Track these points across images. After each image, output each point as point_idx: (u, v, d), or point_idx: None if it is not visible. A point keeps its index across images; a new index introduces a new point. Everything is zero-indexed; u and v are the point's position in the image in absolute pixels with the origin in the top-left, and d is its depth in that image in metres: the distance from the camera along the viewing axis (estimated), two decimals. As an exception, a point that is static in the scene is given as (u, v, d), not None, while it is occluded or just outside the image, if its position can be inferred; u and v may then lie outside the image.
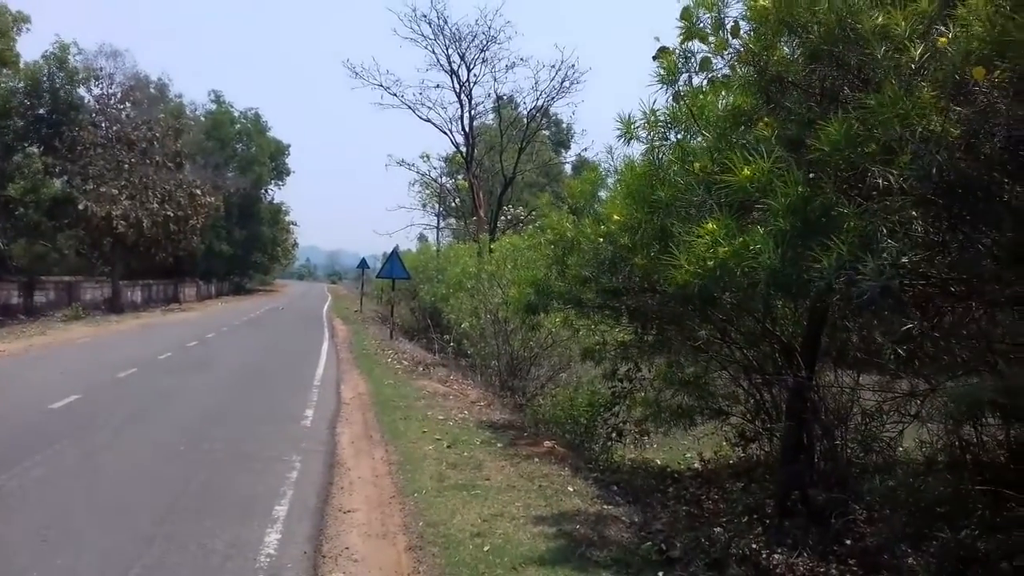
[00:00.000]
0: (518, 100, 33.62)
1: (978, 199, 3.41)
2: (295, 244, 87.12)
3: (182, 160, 41.78)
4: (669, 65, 5.69)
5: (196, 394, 13.39)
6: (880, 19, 3.82)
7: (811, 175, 3.99)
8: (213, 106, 61.03)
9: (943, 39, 3.31)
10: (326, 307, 52.07)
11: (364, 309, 43.59)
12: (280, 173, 69.14)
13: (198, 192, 41.44)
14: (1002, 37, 3.04)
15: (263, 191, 66.44)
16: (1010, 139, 3.28)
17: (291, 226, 78.85)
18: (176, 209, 38.40)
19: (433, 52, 30.22)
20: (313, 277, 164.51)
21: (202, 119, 57.92)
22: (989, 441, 6.06)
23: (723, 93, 5.60)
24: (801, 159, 3.91)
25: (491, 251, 18.25)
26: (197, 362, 17.97)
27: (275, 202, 71.22)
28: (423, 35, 29.76)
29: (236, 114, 63.05)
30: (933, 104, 3.25)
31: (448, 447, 9.78)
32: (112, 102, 37.52)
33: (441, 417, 12.00)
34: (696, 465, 11.07)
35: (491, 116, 34.34)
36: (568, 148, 48.35)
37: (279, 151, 67.96)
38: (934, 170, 3.16)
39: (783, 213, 3.64)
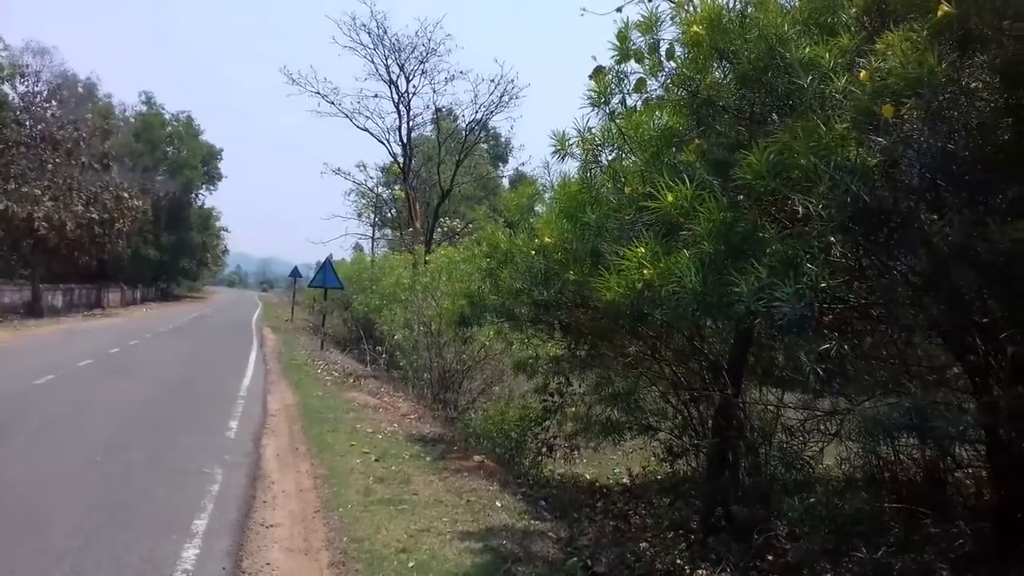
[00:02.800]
0: (457, 112, 33.65)
1: (894, 227, 3.53)
2: (225, 251, 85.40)
3: (109, 162, 40.58)
4: (601, 85, 5.76)
5: (116, 403, 12.93)
6: (807, 50, 3.94)
7: (739, 197, 4.07)
8: (144, 108, 59.50)
9: (864, 72, 3.42)
10: (256, 315, 51.06)
11: (295, 319, 42.90)
12: (212, 178, 67.81)
13: (125, 195, 40.30)
14: (915, 73, 3.16)
15: (194, 196, 65.06)
16: (925, 169, 3.40)
17: (222, 232, 77.29)
18: (102, 212, 37.25)
19: (372, 62, 30.10)
20: (244, 285, 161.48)
21: (132, 120, 56.44)
22: (905, 460, 6.25)
23: (657, 113, 5.69)
24: (727, 183, 3.99)
25: (426, 263, 18.16)
26: (118, 370, 17.38)
27: (206, 207, 69.79)
28: (362, 44, 29.56)
29: (167, 116, 61.63)
30: (848, 135, 3.36)
31: (376, 460, 9.66)
32: (38, 100, 36.24)
33: (370, 430, 11.86)
34: (625, 480, 11.18)
35: (430, 127, 34.27)
36: (506, 162, 48.59)
37: (211, 155, 66.64)
38: (850, 199, 3.27)
39: (706, 237, 3.71)
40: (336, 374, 19.51)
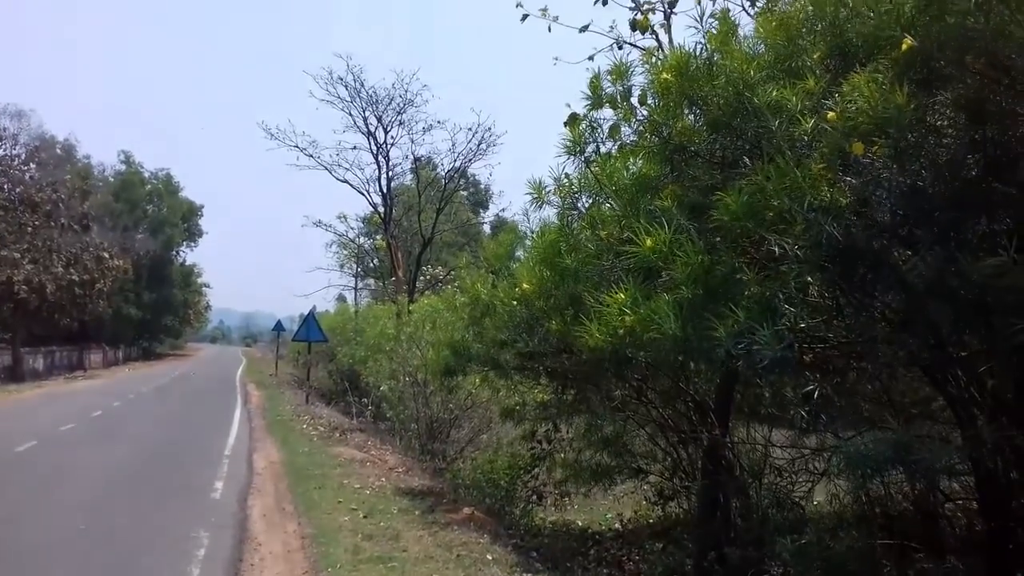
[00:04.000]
0: (436, 161, 33.88)
1: (869, 265, 3.57)
2: (208, 307, 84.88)
3: (89, 222, 40.40)
4: (576, 133, 5.83)
5: (99, 467, 12.70)
6: (774, 94, 4.02)
7: (716, 239, 4.11)
8: (123, 167, 59.55)
9: (832, 114, 3.48)
10: (240, 371, 50.58)
11: (280, 373, 42.51)
12: (192, 234, 67.68)
13: (106, 255, 40.08)
14: (882, 113, 3.22)
15: (175, 253, 64.85)
16: (895, 207, 3.46)
17: (204, 288, 76.91)
18: (82, 273, 37.00)
19: (350, 114, 30.23)
20: (227, 340, 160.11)
21: (111, 180, 56.42)
22: (895, 494, 6.23)
23: (631, 160, 5.76)
24: (704, 226, 4.03)
25: (410, 312, 18.12)
26: (101, 433, 17.12)
27: (187, 264, 69.53)
28: (340, 97, 29.79)
29: (147, 175, 61.72)
30: (822, 176, 3.41)
31: (364, 517, 9.51)
32: (16, 163, 36.18)
33: (358, 485, 11.68)
34: (617, 525, 11.06)
35: (409, 177, 34.46)
36: (486, 208, 48.83)
37: (192, 212, 66.61)
38: (824, 238, 3.31)
39: (685, 282, 3.73)
40: (322, 428, 19.28)
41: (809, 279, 3.64)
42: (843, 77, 3.74)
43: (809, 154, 3.56)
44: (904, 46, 3.37)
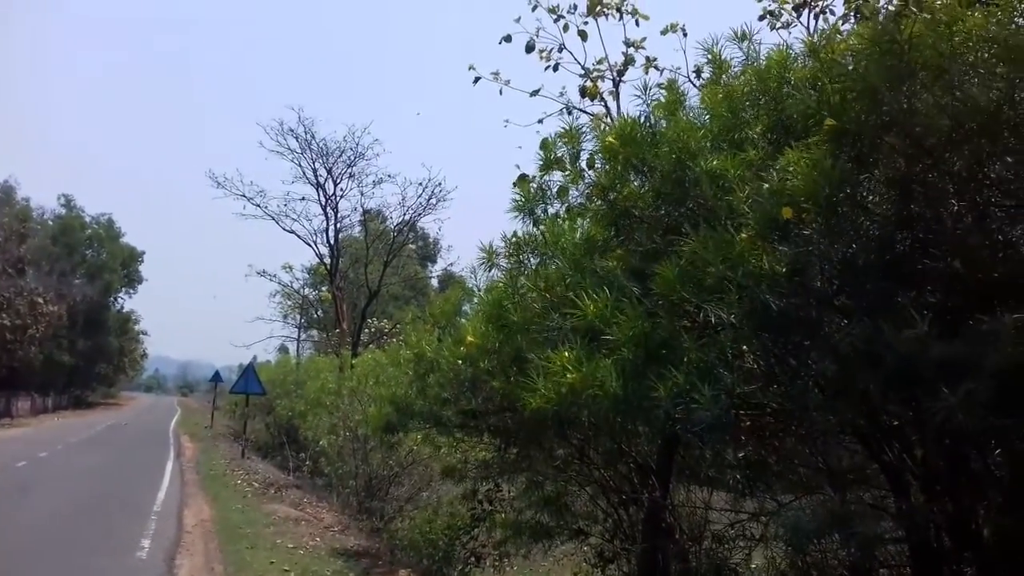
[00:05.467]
0: (386, 214, 33.93)
1: (803, 334, 3.67)
2: (144, 355, 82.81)
3: (25, 266, 39.36)
4: (526, 191, 5.92)
5: (21, 521, 12.14)
6: (715, 163, 4.15)
7: (658, 303, 4.18)
8: (63, 210, 58.31)
9: (768, 185, 3.60)
10: (174, 422, 49.08)
11: (216, 424, 41.41)
12: (132, 281, 66.32)
13: (40, 300, 39.00)
14: (814, 188, 3.35)
15: (112, 299, 63.33)
16: (828, 276, 3.57)
17: (141, 336, 75.07)
18: (14, 318, 35.89)
19: (299, 165, 30.28)
20: (163, 389, 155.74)
21: (50, 224, 55.14)
22: (832, 561, 6.28)
23: (579, 221, 5.86)
24: (647, 290, 4.09)
25: (353, 366, 17.90)
26: (25, 485, 16.38)
27: (125, 310, 67.92)
28: (289, 149, 29.80)
29: (88, 219, 60.50)
30: (756, 245, 3.52)
31: (297, 578, 9.24)
32: (-50, 205, 35.24)
33: (291, 545, 11.36)
34: (556, 589, 10.91)
35: (358, 229, 34.41)
36: (435, 262, 48.91)
37: (132, 258, 65.37)
38: (758, 307, 3.40)
39: (627, 344, 3.78)
40: (257, 484, 18.77)
41: (745, 346, 3.72)
42: (782, 150, 3.88)
43: (746, 223, 3.66)
44: (827, 125, 3.53)
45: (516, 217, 6.06)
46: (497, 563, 11.39)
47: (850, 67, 3.61)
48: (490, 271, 6.68)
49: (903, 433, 4.09)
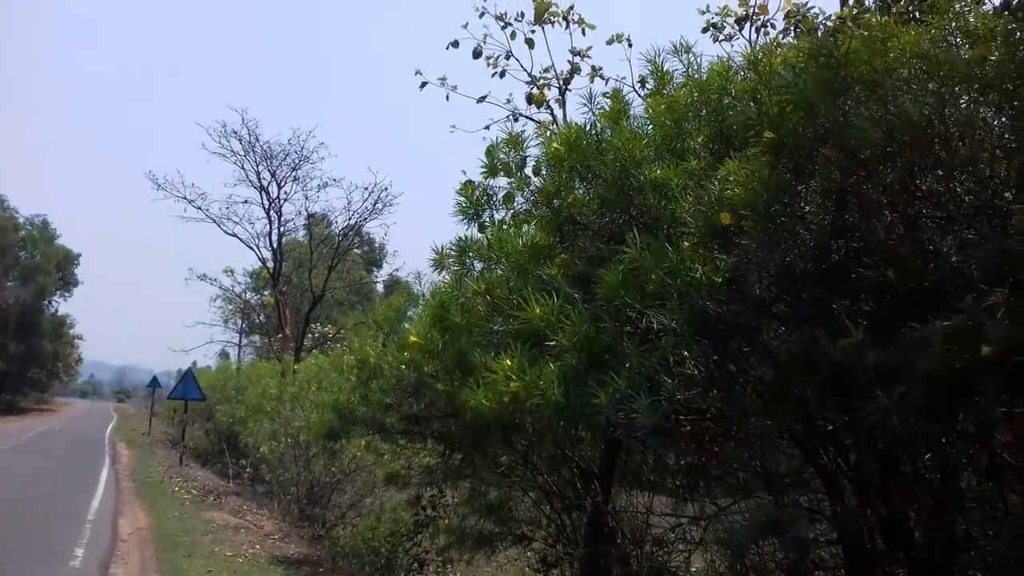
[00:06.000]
0: (331, 218, 33.57)
1: (742, 340, 3.74)
2: (79, 359, 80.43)
3: (-48, 267, 37.96)
4: (470, 199, 5.92)
5: (-58, 532, 11.67)
6: (658, 172, 4.20)
7: (601, 309, 4.21)
8: (-5, 211, 56.50)
9: (708, 194, 3.67)
10: (110, 429, 47.72)
11: (153, 431, 40.39)
12: (67, 283, 64.41)
13: (-33, 302, 37.62)
14: (751, 197, 3.42)
15: (47, 302, 61.40)
16: (766, 284, 3.65)
17: (76, 340, 72.94)
18: (-61, 320, 34.56)
19: (242, 168, 29.78)
20: (98, 395, 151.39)
21: (-19, 224, 53.38)
22: (770, 563, 6.39)
23: (525, 228, 5.88)
24: (591, 296, 4.13)
25: (295, 372, 17.65)
26: (-52, 494, 15.77)
27: (59, 314, 65.90)
28: (232, 151, 29.29)
29: (21, 220, 58.62)
30: (695, 253, 3.58)
31: (235, 587, 9.06)
32: None
33: (230, 553, 11.14)
34: (499, 594, 10.91)
35: (302, 233, 33.97)
36: (380, 267, 48.48)
37: (68, 260, 63.53)
38: (697, 314, 3.46)
39: (569, 349, 3.81)
40: (195, 492, 18.37)
41: (685, 352, 3.77)
42: (723, 160, 3.95)
43: (687, 231, 3.72)
44: (765, 138, 3.61)
45: (461, 220, 6.05)
46: (440, 569, 11.35)
47: (788, 81, 3.69)
48: (440, 273, 6.67)
49: (838, 437, 4.20)
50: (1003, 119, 3.84)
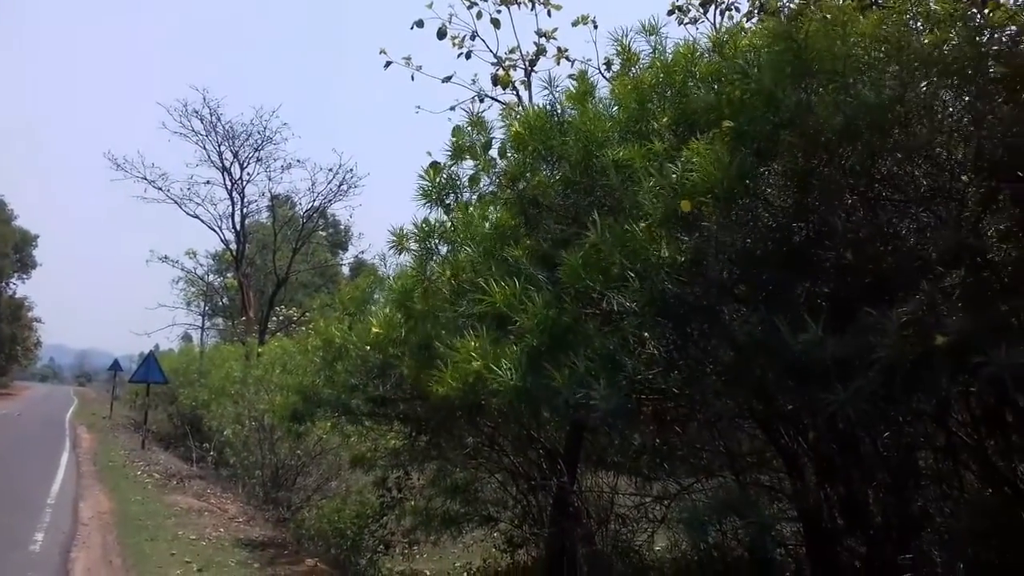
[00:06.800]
0: (295, 200, 33.15)
1: (703, 321, 3.77)
2: (38, 343, 78.85)
3: (-96, 249, 36.94)
4: (432, 182, 5.88)
5: None
6: (621, 153, 4.20)
7: (564, 291, 4.22)
8: (-52, 190, 55.02)
9: (672, 175, 3.67)
10: (70, 413, 46.88)
11: (115, 415, 39.80)
12: (25, 266, 62.98)
13: (-79, 284, 36.68)
14: (713, 179, 3.44)
15: (4, 285, 60.09)
16: (727, 266, 3.67)
17: (35, 323, 71.51)
18: None
19: (204, 148, 29.25)
20: (59, 379, 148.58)
21: (-66, 205, 51.97)
22: (732, 541, 6.49)
23: (491, 209, 5.86)
24: (554, 277, 4.13)
25: (259, 354, 17.48)
26: (-98, 480, 15.42)
27: (17, 297, 64.50)
28: (194, 131, 28.75)
29: (-25, 201, 57.23)
30: (656, 234, 3.59)
31: (199, 571, 8.99)
32: None
33: (194, 536, 11.04)
34: (465, 574, 10.94)
35: (265, 214, 33.51)
36: (346, 250, 47.97)
37: (25, 241, 62.08)
38: (657, 295, 3.48)
39: (532, 331, 3.81)
40: (158, 475, 18.14)
41: (646, 333, 3.79)
42: (687, 142, 3.96)
43: (649, 213, 3.73)
44: (723, 125, 3.62)
45: (424, 204, 6.01)
46: (407, 550, 11.35)
47: (751, 64, 3.71)
48: (400, 256, 6.62)
49: (798, 417, 4.26)
50: (962, 102, 3.90)
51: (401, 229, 6.41)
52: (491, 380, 3.80)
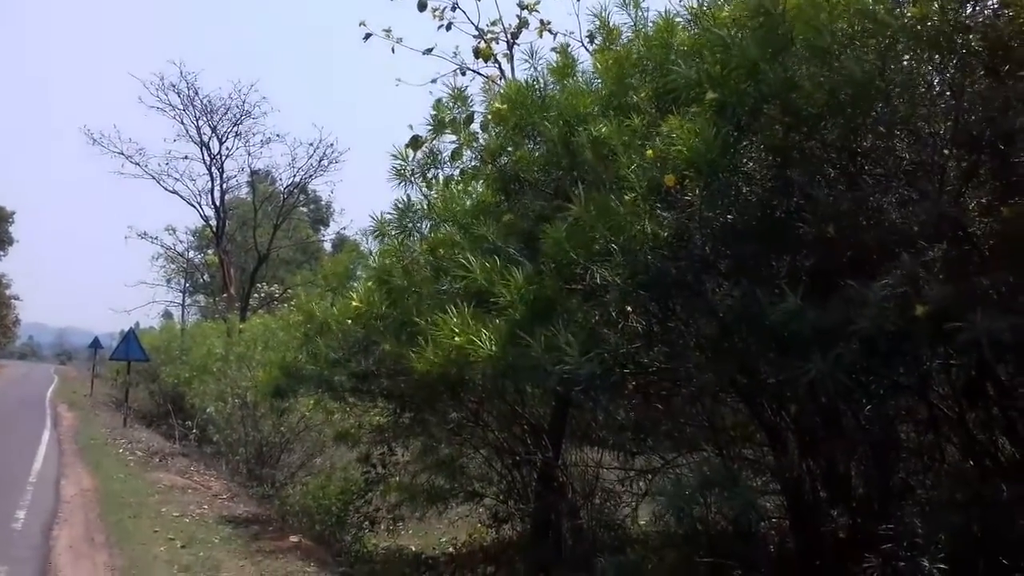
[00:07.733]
0: (275, 175, 32.83)
1: (685, 295, 3.76)
2: (17, 321, 78.18)
3: None
4: (406, 160, 5.83)
5: None
6: (603, 129, 4.16)
7: (547, 264, 4.20)
8: (-78, 166, 54.17)
9: (651, 151, 3.65)
10: (51, 391, 46.52)
11: (96, 393, 39.55)
12: (2, 242, 62.27)
13: None
14: (695, 154, 3.41)
15: (-20, 262, 59.48)
16: (709, 240, 3.66)
17: (13, 301, 70.84)
18: None
19: (182, 123, 28.81)
20: (38, 357, 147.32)
21: (-94, 180, 51.15)
22: (716, 515, 6.54)
23: (473, 183, 5.82)
24: (535, 253, 4.11)
25: (241, 331, 17.39)
26: None
27: (-6, 275, 63.91)
28: (171, 105, 28.31)
29: (-51, 176, 56.38)
30: (639, 209, 3.57)
31: (182, 547, 8.97)
32: None
33: (177, 513, 11.01)
34: (451, 550, 11.00)
35: (245, 190, 33.18)
36: (327, 226, 47.63)
37: (1, 218, 61.33)
38: (639, 269, 3.47)
39: (512, 305, 3.79)
40: (140, 453, 18.06)
41: (629, 307, 3.78)
42: (667, 117, 3.93)
43: (630, 188, 3.70)
44: (707, 97, 3.59)
45: (398, 184, 5.95)
46: (391, 526, 11.39)
47: (726, 42, 3.67)
48: (381, 240, 6.58)
49: (781, 391, 4.27)
50: (944, 76, 3.88)
51: (382, 216, 6.37)
52: (472, 353, 3.79)
